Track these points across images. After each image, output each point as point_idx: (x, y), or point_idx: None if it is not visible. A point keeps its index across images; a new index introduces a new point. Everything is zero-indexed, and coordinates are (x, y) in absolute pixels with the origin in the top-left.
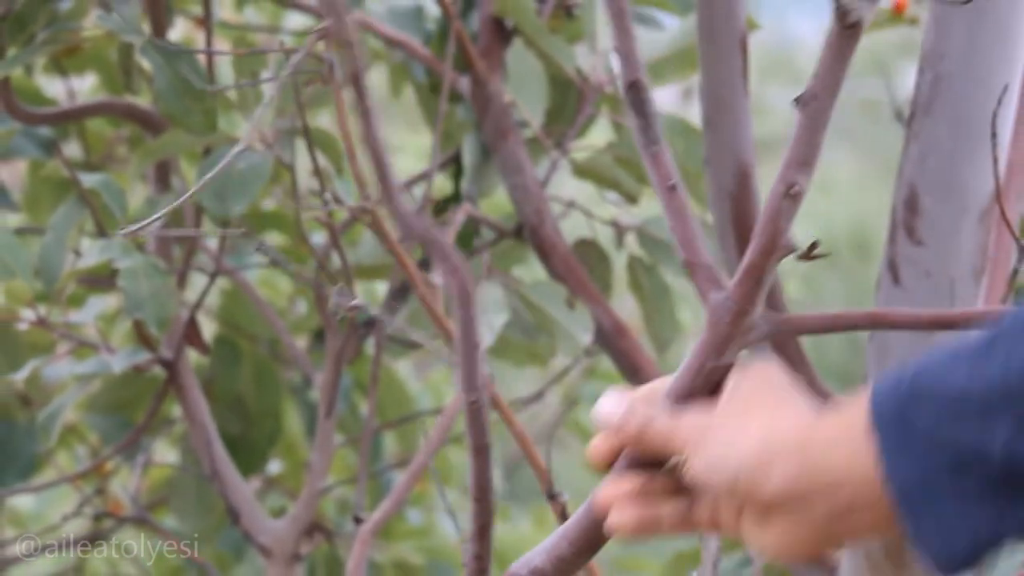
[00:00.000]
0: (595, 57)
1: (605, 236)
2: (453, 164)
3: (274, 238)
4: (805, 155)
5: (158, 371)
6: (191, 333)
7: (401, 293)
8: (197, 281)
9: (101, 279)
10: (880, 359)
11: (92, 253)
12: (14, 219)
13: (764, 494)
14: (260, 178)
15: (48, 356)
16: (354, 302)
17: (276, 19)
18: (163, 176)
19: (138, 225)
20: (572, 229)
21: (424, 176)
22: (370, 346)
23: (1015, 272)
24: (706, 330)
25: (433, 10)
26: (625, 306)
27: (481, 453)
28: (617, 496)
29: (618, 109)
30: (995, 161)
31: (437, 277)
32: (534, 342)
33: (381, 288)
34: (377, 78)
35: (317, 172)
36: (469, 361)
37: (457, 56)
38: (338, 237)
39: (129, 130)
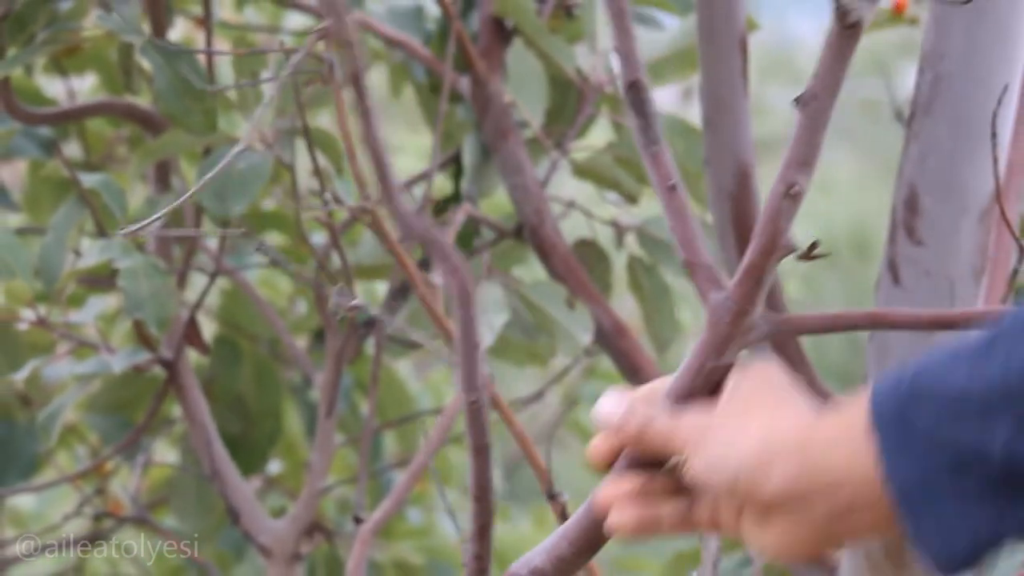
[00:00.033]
0: (595, 57)
1: (605, 236)
2: (453, 164)
3: (274, 238)
4: (805, 155)
5: (158, 371)
6: (191, 333)
7: (401, 293)
8: (197, 281)
9: (101, 279)
10: (880, 359)
11: (92, 253)
12: (14, 219)
13: (764, 494)
14: (260, 178)
15: (48, 356)
16: (354, 302)
17: (276, 19)
18: (163, 176)
19: (138, 225)
20: (572, 229)
21: (424, 176)
22: (370, 346)
23: (1015, 272)
24: (706, 330)
25: (433, 10)
26: (625, 306)
27: (481, 453)
28: (617, 496)
29: (618, 109)
30: (995, 161)
31: (437, 277)
32: (534, 342)
33: (381, 288)
34: (377, 78)
35: (317, 172)
36: (469, 361)
37: (457, 56)
38: (338, 237)
39: (129, 130)
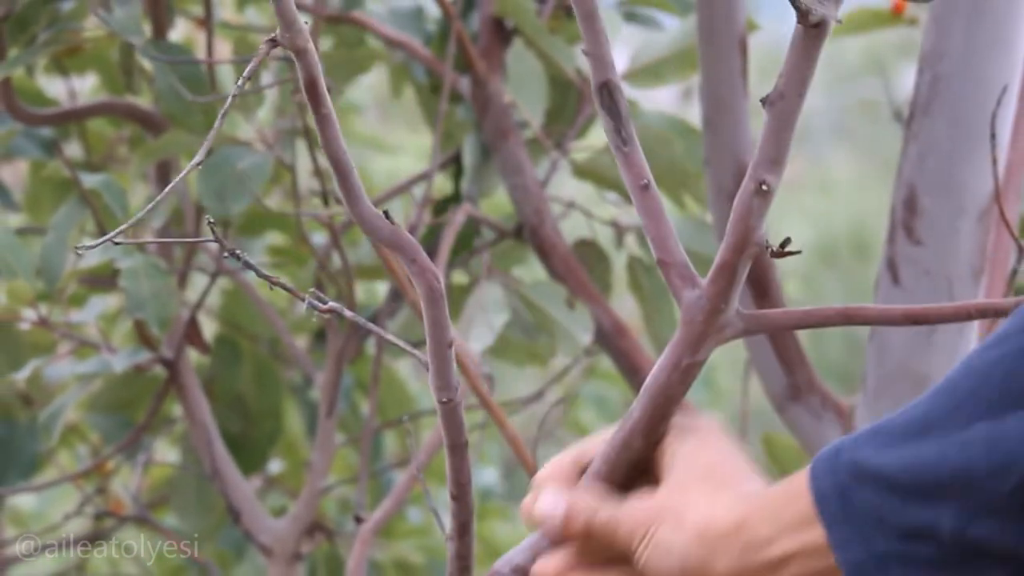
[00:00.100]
0: None
1: (605, 236)
2: (453, 164)
3: (274, 238)
4: (774, 154)
5: (159, 371)
6: (192, 333)
7: (400, 294)
8: (198, 281)
9: (102, 279)
10: (880, 359)
11: (93, 253)
12: (15, 219)
13: None
14: (260, 178)
15: (49, 356)
16: (329, 305)
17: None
18: (163, 176)
19: (133, 220)
20: (572, 229)
21: (424, 176)
22: (371, 346)
23: (1014, 272)
24: (680, 328)
25: (433, 10)
26: (625, 306)
27: (457, 451)
28: (559, 570)
29: None
30: (994, 161)
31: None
32: (534, 342)
33: (381, 288)
34: (377, 78)
35: (317, 172)
36: (440, 361)
37: (457, 56)
38: (338, 237)
39: (130, 130)
